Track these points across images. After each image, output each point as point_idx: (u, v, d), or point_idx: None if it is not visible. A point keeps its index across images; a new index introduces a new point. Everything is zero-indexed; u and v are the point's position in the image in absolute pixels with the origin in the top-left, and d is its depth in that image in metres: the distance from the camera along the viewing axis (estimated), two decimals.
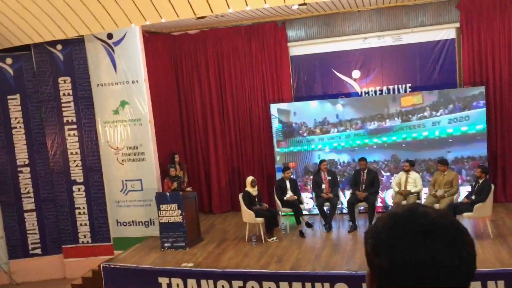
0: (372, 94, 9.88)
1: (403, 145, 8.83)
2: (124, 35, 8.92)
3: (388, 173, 9.37)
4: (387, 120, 8.86)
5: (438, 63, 9.62)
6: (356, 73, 9.96)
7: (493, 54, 9.26)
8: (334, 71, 10.06)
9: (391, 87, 9.84)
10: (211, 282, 7.26)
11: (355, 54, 9.95)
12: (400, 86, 9.80)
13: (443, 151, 8.56)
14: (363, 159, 8.96)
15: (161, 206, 8.41)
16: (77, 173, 9.57)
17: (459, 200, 8.25)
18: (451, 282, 0.97)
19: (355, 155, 9.42)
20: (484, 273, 6.23)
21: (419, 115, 8.61)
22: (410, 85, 9.74)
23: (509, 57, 9.17)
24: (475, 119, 8.54)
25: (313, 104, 9.76)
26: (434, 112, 8.48)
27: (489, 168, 8.36)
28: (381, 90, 9.86)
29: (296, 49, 10.23)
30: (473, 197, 7.80)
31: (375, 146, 9.06)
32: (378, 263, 1.00)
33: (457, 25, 9.43)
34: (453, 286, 0.97)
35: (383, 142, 8.95)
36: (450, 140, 8.53)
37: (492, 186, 7.83)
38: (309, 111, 9.62)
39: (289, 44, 10.16)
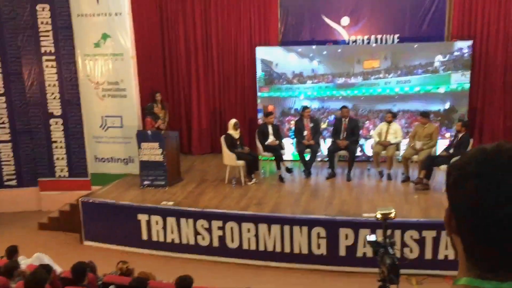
0: (360, 43, 9.77)
1: (362, 98, 9.90)
2: None
3: None
4: (352, 77, 9.84)
5: (428, 14, 9.52)
6: (345, 20, 9.78)
7: (483, 9, 9.19)
8: (323, 16, 9.85)
9: (379, 36, 9.73)
10: (190, 221, 7.35)
11: (345, 0, 9.73)
12: (388, 36, 9.70)
13: (390, 105, 9.62)
14: (345, 107, 8.99)
15: (142, 144, 8.32)
16: (54, 106, 9.33)
17: (437, 153, 8.41)
18: None
19: (324, 103, 10.11)
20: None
21: (375, 76, 9.76)
22: (398, 35, 9.66)
23: (499, 13, 9.13)
24: (414, 82, 9.56)
25: (293, 58, 9.96)
26: (387, 75, 9.70)
27: (469, 123, 8.47)
28: (369, 39, 9.75)
29: None
30: (451, 151, 7.96)
31: (340, 97, 9.94)
32: (460, 195, 0.96)
33: None
34: None
35: (347, 95, 9.91)
36: (396, 97, 9.70)
37: (471, 140, 8.01)
38: (289, 63, 10.00)
39: None
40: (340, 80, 9.78)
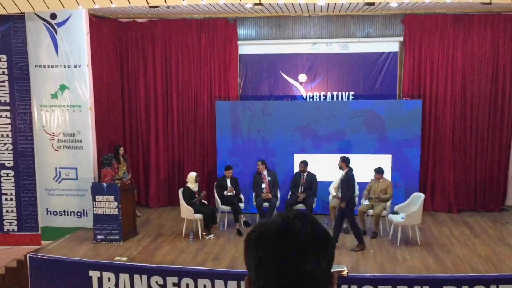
0: (316, 99, 10.08)
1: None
2: (69, 17, 8.52)
3: None
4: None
5: (381, 74, 9.98)
6: (302, 77, 10.12)
7: (431, 70, 9.73)
8: (281, 73, 10.16)
9: (335, 93, 10.09)
10: (144, 277, 7.10)
11: (303, 58, 10.11)
12: (343, 93, 10.08)
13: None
14: (303, 162, 9.13)
15: (96, 197, 8.13)
16: (6, 157, 9.04)
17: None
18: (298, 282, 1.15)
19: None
20: (411, 279, 6.54)
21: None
22: (353, 93, 10.05)
23: (446, 74, 9.67)
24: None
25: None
26: None
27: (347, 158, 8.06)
28: (325, 96, 10.09)
29: (246, 48, 10.24)
30: (339, 194, 7.96)
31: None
32: (250, 261, 1.20)
33: (401, 39, 9.82)
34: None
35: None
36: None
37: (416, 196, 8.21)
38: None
39: (239, 42, 10.14)
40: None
